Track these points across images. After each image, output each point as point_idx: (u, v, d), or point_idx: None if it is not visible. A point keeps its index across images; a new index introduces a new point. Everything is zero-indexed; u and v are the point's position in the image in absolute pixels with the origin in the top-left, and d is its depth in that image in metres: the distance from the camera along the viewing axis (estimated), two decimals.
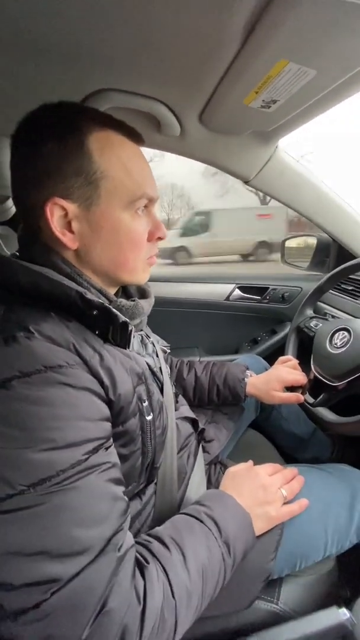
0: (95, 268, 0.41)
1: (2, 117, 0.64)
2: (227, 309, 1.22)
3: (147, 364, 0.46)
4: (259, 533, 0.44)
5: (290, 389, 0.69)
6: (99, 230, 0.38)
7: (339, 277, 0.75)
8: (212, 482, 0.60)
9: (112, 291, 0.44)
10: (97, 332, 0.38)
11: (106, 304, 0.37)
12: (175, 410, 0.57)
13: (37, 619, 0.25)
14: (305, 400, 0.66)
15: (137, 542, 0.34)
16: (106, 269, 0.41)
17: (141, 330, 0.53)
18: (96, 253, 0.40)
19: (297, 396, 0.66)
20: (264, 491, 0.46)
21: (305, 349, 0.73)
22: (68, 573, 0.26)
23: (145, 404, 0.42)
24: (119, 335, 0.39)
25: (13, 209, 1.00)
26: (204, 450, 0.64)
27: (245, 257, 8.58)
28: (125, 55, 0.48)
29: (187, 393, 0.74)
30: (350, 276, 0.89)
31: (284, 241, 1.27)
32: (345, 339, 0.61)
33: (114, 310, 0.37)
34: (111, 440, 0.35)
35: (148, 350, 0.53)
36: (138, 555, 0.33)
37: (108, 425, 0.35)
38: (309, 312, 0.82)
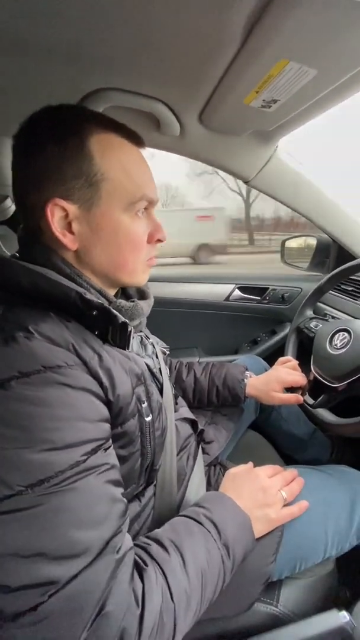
0: (95, 269, 0.41)
1: (1, 117, 0.64)
2: (227, 310, 1.21)
3: (147, 365, 0.46)
4: (259, 535, 0.44)
5: (290, 389, 0.69)
6: (99, 232, 0.38)
7: (339, 278, 0.75)
8: (212, 484, 0.59)
9: (111, 292, 0.44)
10: (96, 333, 0.37)
11: (106, 304, 0.37)
12: (175, 411, 0.57)
13: (35, 622, 0.25)
14: (305, 401, 0.66)
15: (135, 545, 0.34)
16: (106, 270, 0.41)
17: (140, 331, 0.53)
18: (96, 254, 0.40)
19: (297, 397, 0.66)
20: (264, 493, 0.46)
21: (305, 350, 0.73)
22: (66, 575, 0.26)
23: (145, 405, 0.41)
24: (118, 336, 0.39)
25: (12, 209, 1.00)
26: (204, 452, 0.64)
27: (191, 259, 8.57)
28: (125, 55, 0.48)
29: (187, 394, 0.74)
30: (350, 277, 0.89)
31: (284, 241, 1.26)
32: (346, 340, 0.61)
33: (113, 310, 0.37)
34: (110, 441, 0.35)
35: (147, 352, 0.52)
36: (137, 558, 0.32)
37: (107, 426, 0.35)
38: (309, 312, 0.81)
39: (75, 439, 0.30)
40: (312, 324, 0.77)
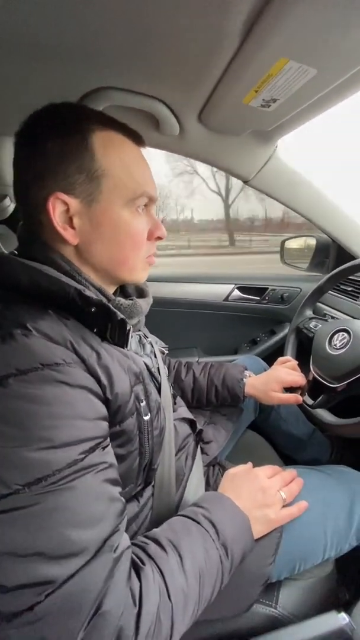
0: (95, 265, 0.41)
1: (0, 115, 0.64)
2: (226, 310, 1.21)
3: (145, 363, 0.46)
4: (258, 536, 0.43)
5: (290, 389, 0.69)
6: (100, 227, 0.39)
7: (338, 278, 0.75)
8: (211, 484, 0.59)
9: (110, 290, 0.45)
10: (95, 330, 0.37)
11: (104, 301, 0.37)
12: (174, 411, 0.57)
13: (31, 622, 0.25)
14: (304, 401, 0.66)
15: (133, 544, 0.34)
16: (106, 267, 0.41)
17: (139, 330, 0.52)
18: (96, 250, 0.40)
19: (296, 397, 0.66)
20: (263, 494, 0.46)
21: (305, 350, 0.73)
22: (63, 575, 0.26)
23: (143, 403, 0.41)
24: (117, 334, 0.39)
25: (10, 208, 1.00)
26: (203, 452, 0.64)
27: None
28: (125, 54, 0.48)
29: (186, 394, 0.74)
30: (350, 277, 0.89)
31: (283, 242, 1.26)
32: (345, 340, 0.61)
33: (112, 307, 0.37)
34: (108, 440, 0.35)
35: (146, 351, 0.52)
36: (134, 557, 0.32)
37: (105, 424, 0.35)
38: (309, 312, 0.81)
39: (73, 438, 0.30)
40: (312, 324, 0.77)
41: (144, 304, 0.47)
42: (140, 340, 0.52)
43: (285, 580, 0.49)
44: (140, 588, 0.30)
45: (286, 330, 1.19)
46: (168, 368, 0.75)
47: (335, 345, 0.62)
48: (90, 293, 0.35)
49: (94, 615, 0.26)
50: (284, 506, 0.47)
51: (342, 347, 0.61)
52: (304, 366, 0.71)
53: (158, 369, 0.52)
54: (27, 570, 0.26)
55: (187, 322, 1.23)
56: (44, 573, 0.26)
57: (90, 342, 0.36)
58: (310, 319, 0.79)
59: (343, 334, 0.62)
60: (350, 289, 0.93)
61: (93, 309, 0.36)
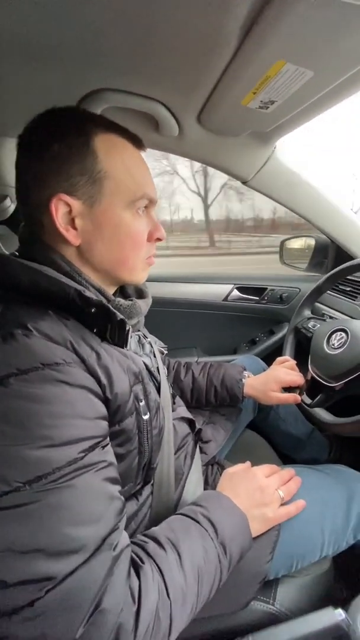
0: (95, 266, 0.41)
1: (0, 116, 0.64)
2: (225, 310, 1.22)
3: (145, 363, 0.46)
4: (256, 534, 0.44)
5: (288, 389, 0.69)
6: (101, 228, 0.39)
7: (337, 278, 0.75)
8: (209, 483, 0.60)
9: (110, 290, 0.45)
10: (94, 331, 0.38)
11: (104, 302, 0.37)
12: (173, 411, 0.57)
13: (31, 617, 0.25)
14: (302, 400, 0.66)
15: (132, 542, 0.34)
16: (107, 267, 0.42)
17: (139, 330, 0.53)
18: (97, 250, 0.40)
19: (295, 396, 0.66)
20: (261, 493, 0.46)
21: (303, 350, 0.73)
22: (63, 571, 0.26)
23: (142, 403, 0.42)
24: (116, 334, 0.39)
25: (11, 209, 1.00)
26: (201, 451, 0.64)
27: None
28: (124, 56, 0.48)
29: (185, 394, 0.74)
30: (348, 277, 0.89)
31: (282, 242, 1.27)
32: (343, 340, 0.61)
33: (111, 308, 0.37)
34: (108, 439, 0.35)
35: (145, 350, 0.53)
36: (133, 555, 0.33)
37: (105, 423, 0.35)
38: (307, 312, 0.82)
39: (73, 436, 0.30)
40: (310, 324, 0.77)
41: (143, 305, 0.48)
42: (139, 340, 0.52)
43: (282, 578, 0.49)
44: (140, 586, 0.30)
45: (285, 330, 1.19)
46: (167, 368, 0.76)
47: (333, 345, 0.63)
48: (90, 294, 0.36)
49: (94, 612, 0.26)
50: (281, 505, 0.47)
51: (340, 347, 0.61)
52: (302, 366, 0.71)
53: (157, 368, 0.53)
54: (27, 566, 0.26)
55: (186, 322, 1.23)
56: (44, 569, 0.26)
57: (90, 342, 0.36)
58: (309, 318, 0.79)
59: (341, 334, 0.63)
60: (348, 289, 0.93)
61: (93, 310, 0.36)
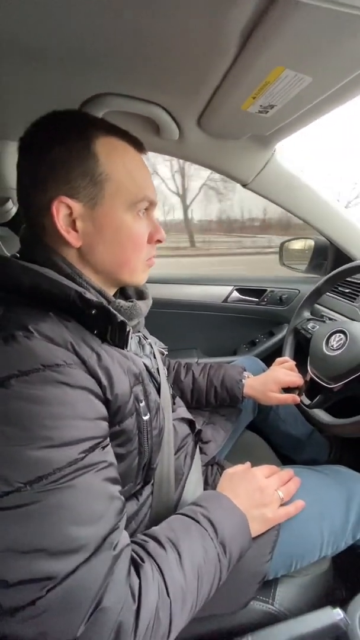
0: (96, 268, 0.42)
1: (1, 121, 0.65)
2: (225, 311, 1.22)
3: (145, 364, 0.47)
4: (255, 534, 0.44)
5: (287, 390, 0.70)
6: (102, 230, 0.39)
7: (336, 280, 0.76)
8: (209, 483, 0.60)
9: (111, 292, 0.45)
10: (95, 332, 0.38)
11: (105, 304, 0.37)
12: (173, 411, 0.58)
13: (33, 616, 0.25)
14: (301, 401, 0.67)
15: (133, 542, 0.35)
16: (108, 269, 0.42)
17: (139, 331, 0.53)
18: (98, 252, 0.40)
19: (294, 397, 0.67)
20: (261, 493, 0.46)
21: (303, 351, 0.74)
22: (64, 571, 0.27)
23: (142, 404, 0.42)
24: (117, 336, 0.39)
25: (13, 211, 1.01)
26: (201, 452, 0.64)
27: None
28: (125, 61, 0.48)
29: (185, 395, 0.75)
30: (347, 279, 0.90)
31: (282, 244, 1.27)
32: (342, 342, 0.62)
33: (112, 309, 0.38)
34: (108, 439, 0.36)
35: (145, 352, 0.53)
36: (134, 554, 0.33)
37: (105, 424, 0.36)
38: (306, 314, 0.82)
39: (74, 437, 0.31)
40: (309, 325, 0.78)
41: (144, 306, 0.48)
42: (140, 342, 0.53)
43: (282, 578, 0.49)
44: (140, 585, 0.30)
45: (284, 332, 1.19)
46: (167, 369, 0.76)
47: (332, 346, 0.63)
48: (90, 295, 0.36)
49: (94, 610, 0.27)
50: (281, 505, 0.48)
51: (339, 348, 0.61)
52: (301, 367, 0.71)
53: (157, 369, 0.53)
54: (28, 566, 0.26)
55: (186, 323, 1.24)
56: (45, 569, 0.26)
57: (90, 344, 0.37)
58: (308, 320, 0.80)
59: (340, 335, 0.63)
60: (347, 290, 0.94)
61: (93, 311, 0.36)
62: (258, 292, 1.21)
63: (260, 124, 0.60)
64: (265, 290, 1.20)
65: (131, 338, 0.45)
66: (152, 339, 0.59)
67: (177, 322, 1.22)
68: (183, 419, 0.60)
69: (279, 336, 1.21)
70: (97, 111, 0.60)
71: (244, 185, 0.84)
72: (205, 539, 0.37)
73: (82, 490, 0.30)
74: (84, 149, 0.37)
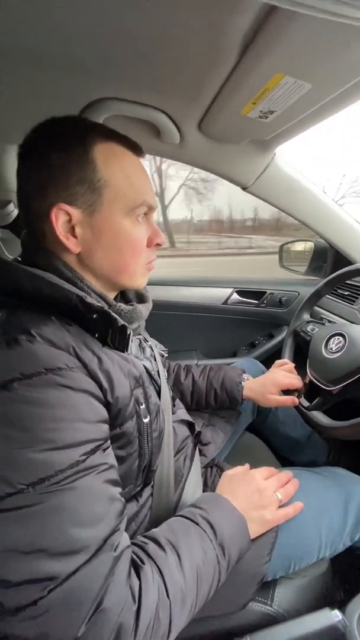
0: (96, 272, 0.42)
1: (3, 124, 0.66)
2: (225, 313, 1.23)
3: (145, 367, 0.47)
4: (254, 536, 0.44)
5: (287, 392, 0.70)
6: (101, 235, 0.40)
7: (335, 282, 0.76)
8: (209, 485, 0.60)
9: (111, 296, 0.46)
10: (96, 336, 0.38)
11: (106, 308, 0.38)
12: (172, 413, 0.58)
13: (34, 616, 0.26)
14: (300, 403, 0.67)
15: (133, 543, 0.35)
16: (107, 273, 0.42)
17: (139, 334, 0.54)
18: (98, 257, 0.41)
19: (293, 399, 0.67)
20: (260, 495, 0.47)
21: (302, 353, 0.74)
22: (65, 571, 0.27)
23: (143, 406, 0.42)
24: (117, 339, 0.40)
25: (14, 214, 1.01)
26: (201, 453, 0.65)
27: None
28: (126, 66, 0.49)
29: (185, 397, 0.75)
30: (347, 281, 0.90)
31: (282, 246, 1.28)
32: (341, 344, 0.62)
33: (113, 314, 0.38)
34: (109, 442, 0.36)
35: (146, 354, 0.53)
36: (134, 556, 0.33)
37: (106, 427, 0.36)
38: (306, 316, 0.83)
39: (75, 439, 0.31)
40: (309, 327, 0.78)
41: (144, 309, 0.49)
42: (140, 344, 0.53)
43: (280, 579, 0.50)
44: (140, 586, 0.31)
45: (284, 334, 1.20)
46: (167, 371, 0.76)
47: (331, 349, 0.64)
48: (91, 300, 0.36)
49: (95, 611, 0.27)
50: (280, 507, 0.48)
51: (338, 351, 0.62)
52: (300, 369, 0.72)
53: (157, 372, 0.54)
54: (30, 566, 0.27)
55: (186, 326, 1.24)
56: (46, 569, 0.27)
57: (91, 347, 0.37)
58: (308, 322, 0.80)
59: (339, 338, 0.64)
60: (347, 293, 0.94)
61: (94, 316, 0.37)
62: (258, 294, 1.22)
63: (260, 129, 0.61)
64: (265, 292, 1.21)
65: (132, 341, 0.45)
66: (152, 342, 0.59)
67: (177, 324, 1.23)
68: (183, 421, 0.61)
69: (279, 338, 1.21)
70: (99, 115, 0.60)
71: (244, 189, 0.84)
72: (205, 540, 0.38)
73: (83, 492, 0.30)
74: (81, 156, 0.38)
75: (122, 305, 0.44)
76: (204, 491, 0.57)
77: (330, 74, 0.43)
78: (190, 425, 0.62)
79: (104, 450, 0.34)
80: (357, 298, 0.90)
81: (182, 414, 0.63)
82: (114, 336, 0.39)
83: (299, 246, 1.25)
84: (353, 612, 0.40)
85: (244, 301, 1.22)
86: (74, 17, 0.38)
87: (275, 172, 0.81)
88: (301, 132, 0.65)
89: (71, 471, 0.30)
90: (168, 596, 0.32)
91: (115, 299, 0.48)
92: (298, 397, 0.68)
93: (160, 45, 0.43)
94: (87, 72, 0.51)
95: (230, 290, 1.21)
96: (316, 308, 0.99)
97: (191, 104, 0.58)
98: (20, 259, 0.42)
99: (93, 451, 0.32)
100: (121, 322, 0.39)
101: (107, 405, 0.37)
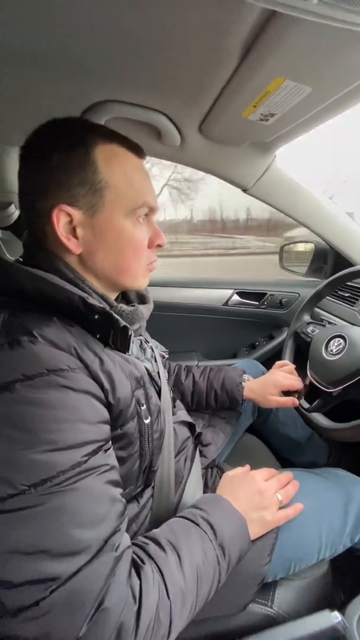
0: (97, 273, 0.42)
1: (4, 126, 0.66)
2: (226, 314, 1.23)
3: (146, 368, 0.47)
4: (255, 537, 0.44)
5: (287, 393, 0.70)
6: (102, 236, 0.40)
7: (336, 284, 0.76)
8: (209, 486, 0.60)
9: (113, 297, 0.46)
10: (98, 337, 0.39)
11: (107, 308, 0.38)
12: (173, 414, 0.58)
13: (36, 617, 0.26)
14: (300, 405, 0.67)
15: (133, 544, 0.35)
16: (108, 274, 0.43)
17: (140, 335, 0.54)
18: (99, 258, 0.41)
19: (293, 400, 0.67)
20: (260, 496, 0.47)
21: (302, 354, 0.74)
22: (67, 572, 0.27)
23: (144, 407, 0.43)
24: (119, 340, 0.40)
25: (15, 215, 1.01)
26: (201, 454, 0.65)
27: None
28: (127, 69, 0.49)
29: (185, 398, 0.75)
30: (347, 283, 0.91)
31: (282, 247, 1.28)
32: (341, 346, 0.62)
33: (114, 315, 0.38)
34: (110, 442, 0.36)
35: (147, 355, 0.54)
36: (134, 556, 0.33)
37: (107, 427, 0.36)
38: (306, 317, 0.83)
39: (77, 440, 0.31)
40: (309, 329, 0.78)
41: (145, 310, 0.49)
42: (141, 345, 0.53)
43: (280, 580, 0.50)
44: (140, 586, 0.31)
45: (284, 335, 1.20)
46: (168, 372, 0.76)
47: (331, 350, 0.64)
48: (93, 300, 0.37)
49: (96, 611, 0.27)
50: (280, 508, 0.48)
51: (338, 353, 0.62)
52: (301, 370, 0.72)
53: (158, 373, 0.54)
54: (32, 567, 0.27)
55: (187, 327, 1.24)
56: (48, 570, 0.27)
57: (93, 349, 0.37)
58: (308, 324, 0.80)
59: (339, 340, 0.64)
60: (347, 295, 0.94)
61: (96, 317, 0.37)
62: (258, 296, 1.22)
63: (260, 131, 0.61)
64: (266, 293, 1.21)
65: (133, 342, 0.46)
66: (153, 343, 0.59)
67: (177, 325, 1.23)
68: (183, 422, 0.61)
69: (279, 339, 1.21)
70: (100, 118, 0.61)
71: (245, 191, 0.85)
72: (205, 541, 0.38)
73: (85, 493, 0.30)
74: (82, 157, 0.38)
75: (124, 306, 0.44)
76: (204, 492, 0.57)
77: (330, 78, 0.43)
78: (191, 426, 0.62)
79: (106, 451, 0.34)
80: (357, 300, 0.90)
81: (183, 415, 0.63)
82: (115, 337, 0.39)
83: (300, 247, 1.25)
84: (353, 614, 0.40)
85: (244, 302, 1.22)
86: (75, 18, 0.38)
87: (276, 174, 0.81)
88: (302, 134, 0.65)
89: (73, 472, 0.30)
90: (168, 596, 0.32)
91: (116, 299, 0.49)
92: (298, 398, 0.68)
93: (162, 47, 0.43)
94: (87, 74, 0.52)
95: (230, 291, 1.21)
96: (316, 309, 0.99)
97: (192, 106, 0.58)
98: (21, 260, 0.42)
99: (94, 452, 0.32)
100: (123, 323, 0.39)
101: (108, 406, 0.37)
